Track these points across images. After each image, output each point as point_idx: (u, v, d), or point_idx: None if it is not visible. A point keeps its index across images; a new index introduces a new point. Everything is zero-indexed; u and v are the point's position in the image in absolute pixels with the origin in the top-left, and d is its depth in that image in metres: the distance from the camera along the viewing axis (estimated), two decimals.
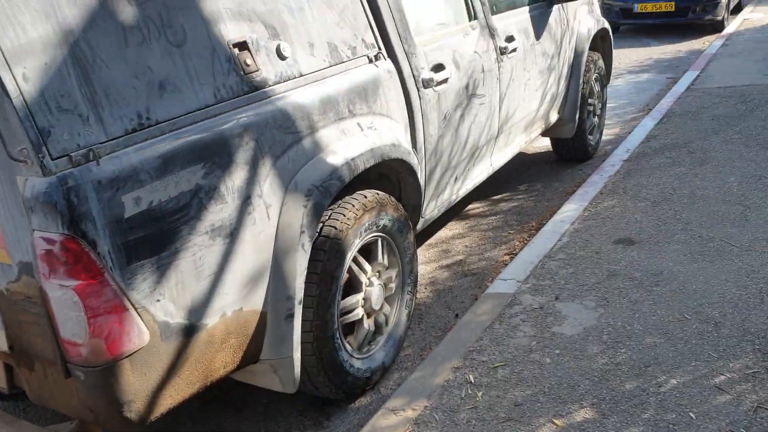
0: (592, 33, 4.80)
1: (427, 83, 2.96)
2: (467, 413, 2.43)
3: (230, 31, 2.12)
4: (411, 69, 2.89)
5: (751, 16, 11.23)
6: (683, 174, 4.45)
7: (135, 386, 1.87)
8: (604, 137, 5.54)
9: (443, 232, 4.16)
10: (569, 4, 4.51)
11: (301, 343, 2.34)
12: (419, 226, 3.18)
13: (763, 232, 3.53)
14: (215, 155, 1.99)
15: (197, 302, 1.98)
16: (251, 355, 2.23)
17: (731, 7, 11.05)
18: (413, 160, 2.82)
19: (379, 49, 2.77)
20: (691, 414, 2.31)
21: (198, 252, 1.95)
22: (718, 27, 10.37)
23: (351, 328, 2.67)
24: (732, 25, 10.44)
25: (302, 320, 2.32)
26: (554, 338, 2.80)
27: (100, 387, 1.82)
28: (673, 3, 10.14)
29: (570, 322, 2.90)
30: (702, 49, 9.11)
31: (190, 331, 1.97)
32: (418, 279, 3.57)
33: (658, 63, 8.60)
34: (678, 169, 4.54)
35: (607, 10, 10.54)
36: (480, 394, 2.52)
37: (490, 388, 2.55)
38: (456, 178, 3.42)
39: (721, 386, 2.42)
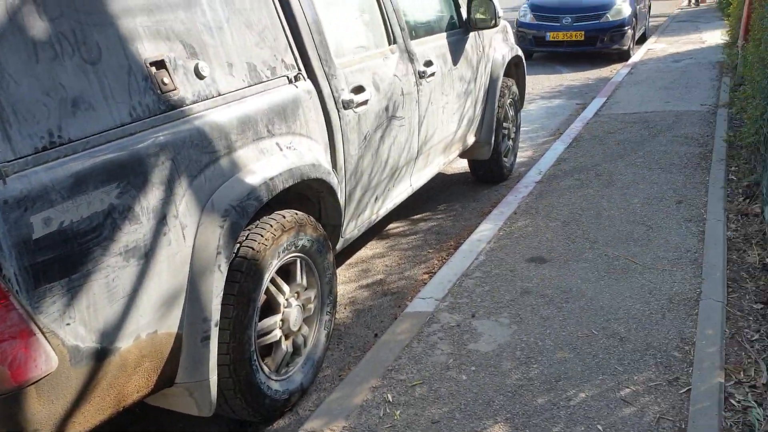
0: (507, 60, 4.98)
1: (347, 104, 3.00)
2: None
3: (147, 50, 2.09)
4: (331, 90, 2.92)
5: (655, 47, 11.91)
6: (591, 195, 4.66)
7: (41, 415, 1.80)
8: (518, 159, 5.74)
9: (363, 252, 4.19)
10: (485, 32, 4.67)
11: (218, 365, 2.30)
12: (339, 246, 3.20)
13: (665, 251, 3.73)
14: (130, 175, 1.95)
15: (110, 325, 1.93)
16: (166, 378, 2.18)
17: (636, 37, 11.69)
18: (333, 180, 2.84)
19: (299, 69, 2.79)
20: (598, 426, 2.41)
21: (111, 273, 1.91)
22: (624, 56, 10.95)
23: (269, 349, 2.65)
24: (637, 55, 11.04)
25: (219, 342, 2.29)
26: (470, 355, 2.87)
27: (2, 417, 1.74)
28: (583, 32, 10.64)
29: (485, 339, 2.98)
30: (609, 76, 9.58)
31: (102, 355, 1.92)
32: (338, 299, 3.58)
33: (568, 89, 8.98)
34: (586, 191, 4.75)
35: (521, 38, 10.95)
36: (398, 412, 2.55)
37: (408, 406, 2.58)
38: (376, 198, 3.47)
39: (626, 399, 2.54)
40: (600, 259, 3.69)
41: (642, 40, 12.81)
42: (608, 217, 4.26)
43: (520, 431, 2.41)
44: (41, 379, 1.77)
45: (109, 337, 1.93)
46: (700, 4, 20.11)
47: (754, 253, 3.67)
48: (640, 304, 3.19)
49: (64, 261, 1.79)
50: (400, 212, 4.75)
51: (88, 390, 1.91)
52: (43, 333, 1.76)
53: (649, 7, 14.07)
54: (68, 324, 1.82)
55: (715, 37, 12.40)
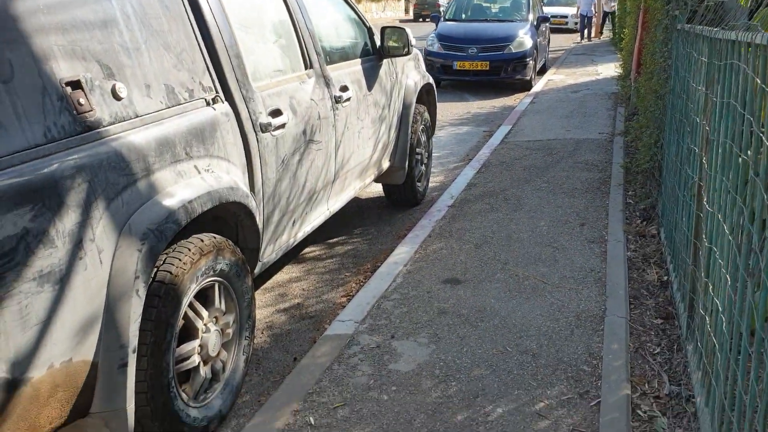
0: (419, 87, 5.12)
1: (264, 127, 3.00)
2: None
3: (63, 69, 2.04)
4: (249, 113, 2.92)
5: (554, 78, 12.52)
6: (501, 219, 4.82)
7: None
8: (430, 184, 5.88)
9: (280, 276, 4.17)
10: (398, 59, 4.79)
11: (135, 393, 2.23)
12: (257, 270, 3.18)
13: (570, 270, 3.91)
14: (45, 197, 1.88)
15: (22, 354, 1.83)
16: (81, 408, 2.09)
17: (537, 68, 12.25)
18: (251, 203, 2.83)
19: (217, 92, 2.78)
20: None
21: (24, 300, 1.82)
22: (526, 86, 11.46)
23: (187, 375, 2.59)
24: (538, 85, 11.57)
25: (136, 369, 2.22)
26: (391, 375, 2.90)
27: None
28: (488, 62, 11.07)
29: (405, 359, 3.02)
30: (513, 105, 9.98)
31: (12, 386, 1.82)
32: (256, 323, 3.54)
33: (475, 117, 9.29)
34: (496, 215, 4.92)
35: (429, 66, 11.25)
36: None
37: (331, 428, 2.58)
38: (294, 222, 3.47)
39: (540, 412, 2.64)
40: (511, 279, 3.82)
41: (543, 71, 13.44)
42: (517, 239, 4.43)
43: None
44: None
45: (20, 367, 1.84)
46: (593, 39, 21.32)
47: (652, 271, 3.91)
48: (550, 322, 3.33)
49: None
50: (316, 236, 4.75)
51: None
52: None
53: (549, 40, 14.79)
54: None
55: (610, 69, 13.17)
